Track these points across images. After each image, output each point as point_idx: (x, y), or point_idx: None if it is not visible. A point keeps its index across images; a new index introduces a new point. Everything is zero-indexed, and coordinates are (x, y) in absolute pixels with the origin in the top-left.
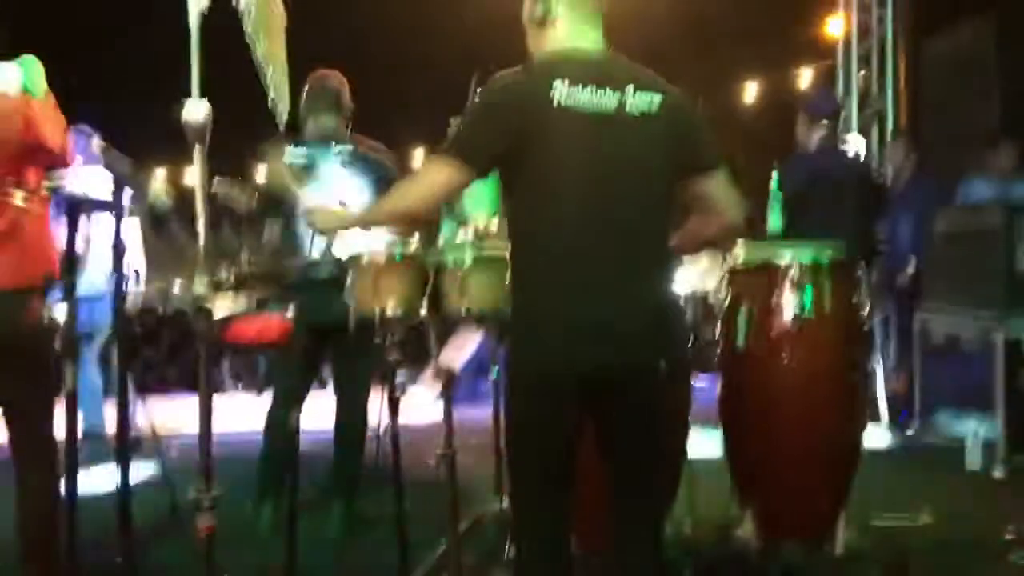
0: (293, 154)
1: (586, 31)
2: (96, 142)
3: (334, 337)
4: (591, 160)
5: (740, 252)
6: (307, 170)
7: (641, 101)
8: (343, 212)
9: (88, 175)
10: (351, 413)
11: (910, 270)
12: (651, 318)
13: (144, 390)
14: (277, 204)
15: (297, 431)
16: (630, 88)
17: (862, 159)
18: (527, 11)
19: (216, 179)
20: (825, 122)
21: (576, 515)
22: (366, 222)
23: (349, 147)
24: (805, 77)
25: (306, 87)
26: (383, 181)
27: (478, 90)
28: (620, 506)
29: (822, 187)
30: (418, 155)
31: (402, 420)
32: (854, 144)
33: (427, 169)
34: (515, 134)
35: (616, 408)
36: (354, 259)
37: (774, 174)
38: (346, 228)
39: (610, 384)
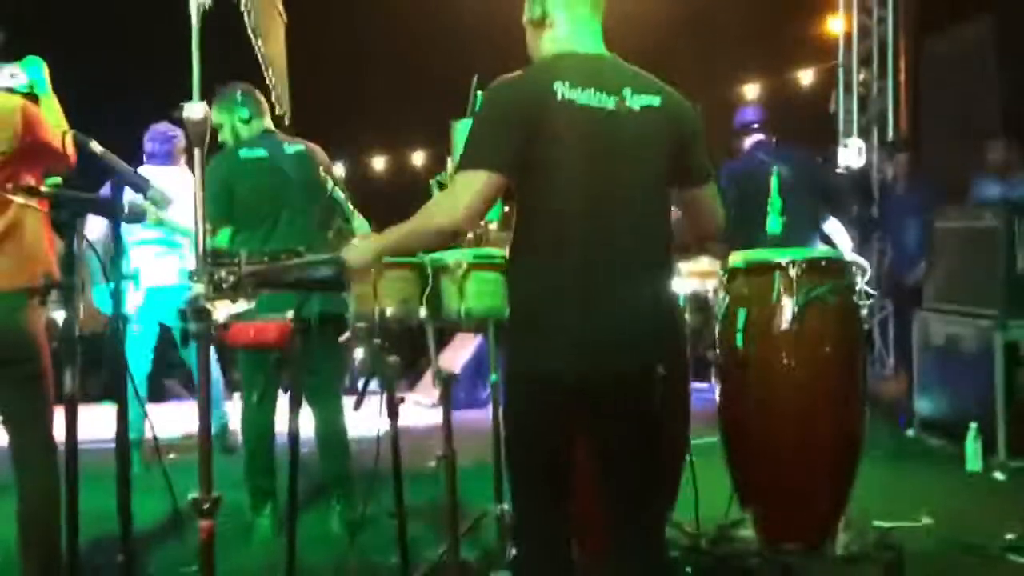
0: (249, 155)
1: (584, 33)
2: (180, 144)
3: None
4: (592, 160)
5: (738, 254)
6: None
7: (640, 103)
8: (375, 243)
9: (164, 175)
10: (329, 419)
11: (922, 268)
12: (650, 321)
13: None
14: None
15: (297, 433)
16: (628, 92)
17: (816, 161)
18: (526, 13)
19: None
20: (758, 136)
21: (581, 520)
22: (405, 247)
23: (300, 146)
24: (805, 77)
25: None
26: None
27: (478, 93)
28: (620, 510)
29: (750, 193)
30: (417, 157)
31: (401, 423)
32: (854, 147)
33: (459, 184)
34: (524, 131)
35: (615, 411)
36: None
37: (773, 176)
38: (381, 258)
39: (609, 387)
